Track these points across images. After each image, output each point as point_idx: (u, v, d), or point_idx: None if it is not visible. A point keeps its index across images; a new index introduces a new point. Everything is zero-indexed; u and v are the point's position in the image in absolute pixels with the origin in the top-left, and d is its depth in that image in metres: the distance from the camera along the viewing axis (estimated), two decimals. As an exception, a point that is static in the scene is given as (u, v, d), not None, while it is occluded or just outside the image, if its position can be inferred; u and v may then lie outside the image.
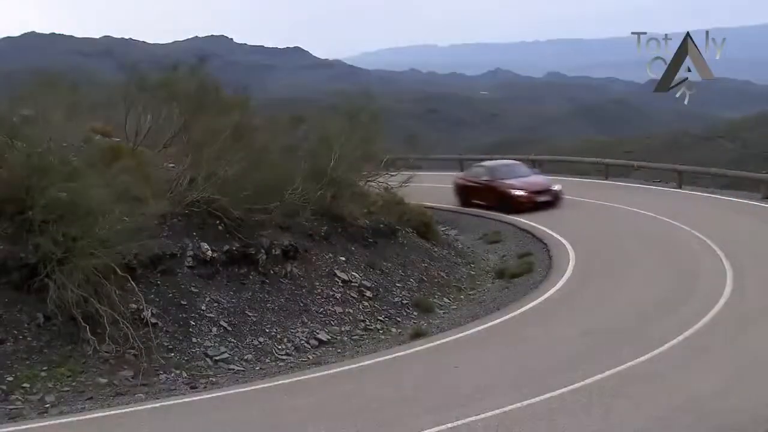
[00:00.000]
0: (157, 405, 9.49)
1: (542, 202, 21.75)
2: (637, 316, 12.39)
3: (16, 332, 10.36)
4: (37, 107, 12.31)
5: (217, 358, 11.37)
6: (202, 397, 9.85)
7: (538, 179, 22.85)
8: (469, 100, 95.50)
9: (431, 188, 22.97)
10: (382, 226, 16.72)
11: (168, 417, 9.10)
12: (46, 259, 10.65)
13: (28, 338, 10.39)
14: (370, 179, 17.90)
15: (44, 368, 10.09)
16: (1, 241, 10.92)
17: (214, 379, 10.72)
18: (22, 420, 9.02)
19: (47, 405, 9.49)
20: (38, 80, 13.01)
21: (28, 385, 9.75)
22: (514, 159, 26.04)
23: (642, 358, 10.24)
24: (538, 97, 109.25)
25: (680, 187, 25.91)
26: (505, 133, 68.79)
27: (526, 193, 21.87)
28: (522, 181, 22.42)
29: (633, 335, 11.50)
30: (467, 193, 23.28)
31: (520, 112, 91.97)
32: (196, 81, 14.98)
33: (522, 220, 21.05)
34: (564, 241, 18.37)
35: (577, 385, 9.28)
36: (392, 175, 18.59)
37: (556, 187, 22.34)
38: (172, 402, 9.61)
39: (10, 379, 9.76)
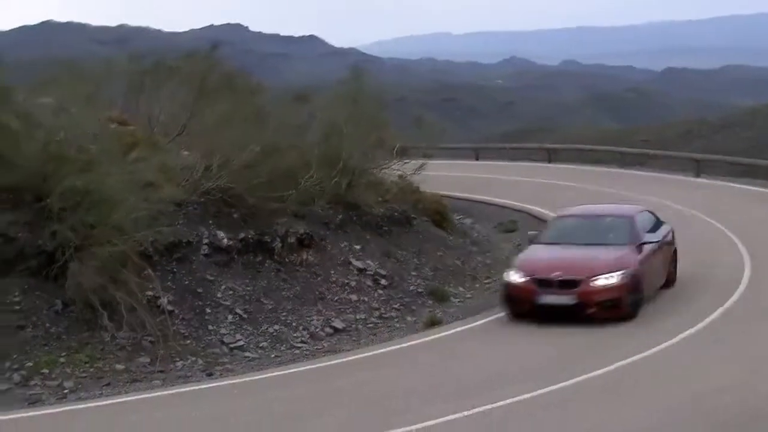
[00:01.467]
0: (174, 392, 9.55)
1: (549, 306, 11.51)
2: (653, 306, 12.33)
3: (35, 318, 10.45)
4: (54, 96, 12.37)
5: (232, 345, 11.42)
6: (218, 384, 9.90)
7: (603, 256, 11.85)
8: (485, 89, 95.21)
9: (446, 177, 22.92)
10: (396, 214, 16.70)
11: (184, 404, 9.16)
12: (63, 247, 10.73)
13: (47, 324, 10.48)
14: (384, 167, 17.86)
15: (63, 354, 10.18)
16: (19, 228, 11.00)
17: (230, 367, 10.77)
18: (42, 405, 9.11)
19: (66, 390, 9.58)
20: (56, 69, 13.07)
21: (47, 371, 9.84)
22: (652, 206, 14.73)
23: (655, 349, 10.21)
24: (553, 85, 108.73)
25: (697, 176, 25.74)
26: (521, 122, 68.48)
27: (524, 281, 11.75)
28: (560, 255, 12.15)
29: (648, 325, 11.45)
30: None
31: (535, 101, 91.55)
32: (209, 67, 15.00)
33: (537, 209, 20.97)
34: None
35: (594, 373, 9.27)
36: (406, 163, 18.55)
37: (612, 279, 11.46)
38: (188, 389, 9.67)
39: (30, 364, 9.86)
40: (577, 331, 11.27)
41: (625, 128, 50.19)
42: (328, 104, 17.61)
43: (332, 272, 14.01)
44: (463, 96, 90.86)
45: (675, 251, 13.73)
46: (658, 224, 13.63)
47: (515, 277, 11.99)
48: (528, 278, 11.79)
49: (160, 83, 14.68)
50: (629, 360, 9.76)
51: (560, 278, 11.57)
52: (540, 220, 20.09)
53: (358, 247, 15.08)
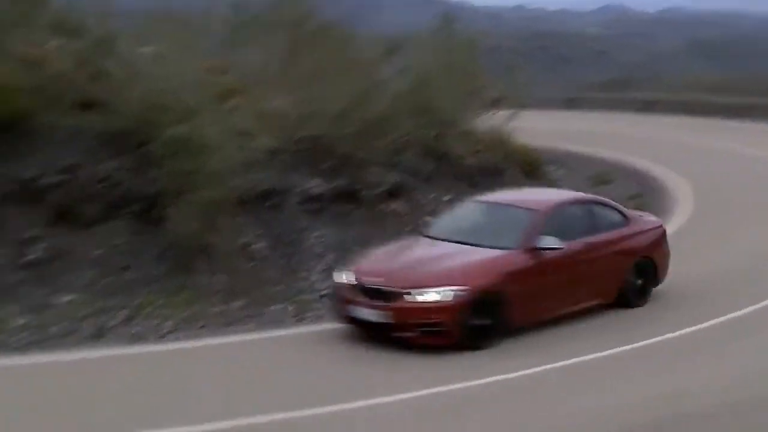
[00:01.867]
0: (266, 336, 9.85)
1: (359, 320, 9.15)
2: (750, 266, 11.93)
3: (137, 261, 10.93)
4: (154, 45, 12.70)
5: (323, 292, 11.65)
6: (308, 329, 10.14)
7: (448, 263, 9.14)
8: (578, 37, 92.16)
9: (538, 127, 22.49)
10: (487, 165, 16.56)
11: (276, 347, 9.46)
12: (164, 192, 11.13)
13: (148, 267, 10.95)
14: (475, 117, 17.67)
15: (162, 296, 10.62)
16: (124, 173, 11.46)
17: (320, 313, 11.00)
18: (143, 343, 9.56)
19: (165, 331, 9.99)
20: (155, 19, 13.39)
21: (148, 310, 10.30)
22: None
23: (743, 311, 9.94)
24: (652, 33, 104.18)
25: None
26: (615, 71, 66.18)
27: (345, 283, 9.37)
28: (411, 256, 9.62)
29: (746, 284, 11.10)
30: None
31: (632, 50, 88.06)
32: (303, 16, 15.06)
33: (633, 161, 20.39)
34: (681, 181, 17.72)
35: (671, 335, 9.12)
36: (498, 113, 18.28)
37: (436, 296, 8.66)
38: (280, 333, 9.96)
39: (133, 304, 10.34)
40: (665, 288, 10.98)
41: (730, 77, 47.90)
42: (419, 53, 17.44)
43: (421, 222, 14.05)
44: (556, 44, 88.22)
45: (649, 259, 10.60)
46: (608, 222, 10.38)
47: (342, 276, 9.45)
48: (353, 282, 9.19)
49: (256, 33, 14.86)
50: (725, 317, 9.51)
51: (375, 287, 8.87)
52: (639, 173, 19.59)
53: (447, 198, 15.05)
